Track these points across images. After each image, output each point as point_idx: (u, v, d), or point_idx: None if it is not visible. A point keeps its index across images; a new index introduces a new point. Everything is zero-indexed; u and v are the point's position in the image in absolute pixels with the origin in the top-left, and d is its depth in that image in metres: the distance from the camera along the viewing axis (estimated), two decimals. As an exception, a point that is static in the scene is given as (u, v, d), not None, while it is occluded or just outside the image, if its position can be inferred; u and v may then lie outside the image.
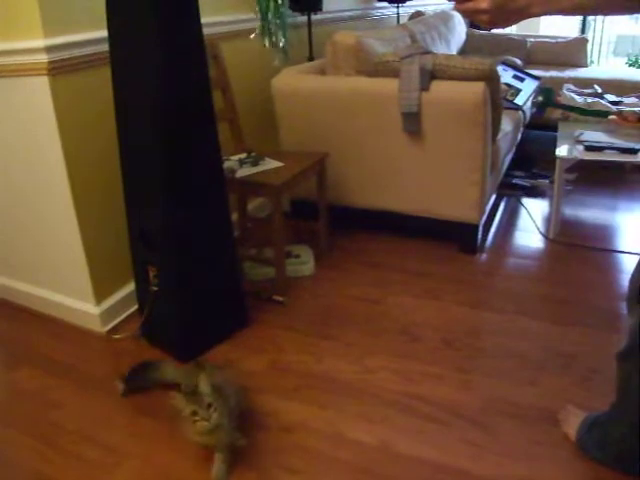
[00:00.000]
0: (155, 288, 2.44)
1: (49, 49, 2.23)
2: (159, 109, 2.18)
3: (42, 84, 2.30)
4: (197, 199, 2.36)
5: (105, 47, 2.30)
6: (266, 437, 2.07)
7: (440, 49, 4.70)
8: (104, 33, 2.25)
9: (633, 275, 1.69)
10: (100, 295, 2.67)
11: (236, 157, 2.94)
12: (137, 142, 2.28)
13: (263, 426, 2.11)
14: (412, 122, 2.95)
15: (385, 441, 2.00)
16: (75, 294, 2.71)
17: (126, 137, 2.34)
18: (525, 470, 1.87)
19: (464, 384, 2.25)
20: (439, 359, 2.38)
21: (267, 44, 3.16)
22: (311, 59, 3.95)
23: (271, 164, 2.87)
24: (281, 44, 3.26)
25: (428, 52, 3.05)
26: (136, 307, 2.69)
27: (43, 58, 2.24)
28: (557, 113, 3.95)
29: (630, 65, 8.84)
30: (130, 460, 2.01)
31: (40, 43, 2.22)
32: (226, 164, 2.67)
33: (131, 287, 2.72)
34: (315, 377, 2.33)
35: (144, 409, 2.24)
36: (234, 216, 2.73)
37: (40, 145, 2.45)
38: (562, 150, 3.27)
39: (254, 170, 2.80)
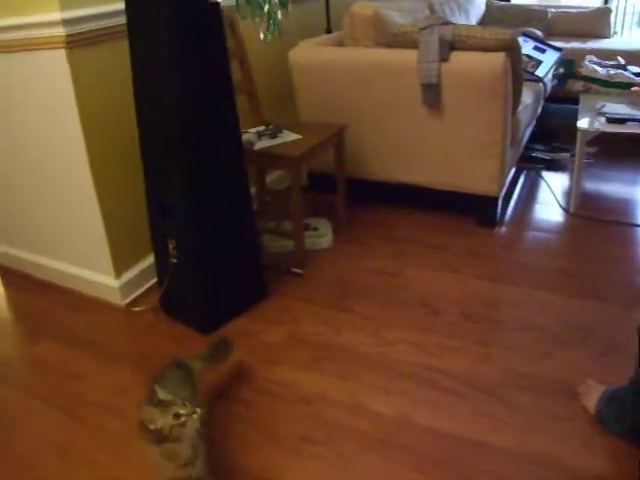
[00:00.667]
0: (174, 261, 2.45)
1: (66, 22, 2.23)
2: (178, 83, 2.17)
3: (60, 57, 2.30)
4: (216, 171, 2.36)
5: (122, 19, 2.29)
6: (285, 408, 2.08)
7: (459, 20, 4.63)
8: (121, 5, 2.25)
9: None
10: (120, 268, 2.70)
11: (254, 129, 2.93)
12: (155, 116, 2.28)
13: (282, 397, 2.13)
14: (431, 94, 2.92)
15: (403, 413, 2.00)
16: (95, 267, 2.73)
17: (144, 111, 2.33)
18: (544, 443, 1.87)
19: (483, 357, 2.25)
20: (458, 332, 2.38)
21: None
22: (329, 31, 3.91)
23: (289, 136, 2.86)
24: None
25: (447, 23, 3.01)
26: (155, 280, 2.71)
27: (60, 31, 2.24)
28: (578, 85, 3.89)
29: (654, 36, 8.68)
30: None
31: (57, 16, 2.21)
32: (244, 136, 2.67)
33: (150, 260, 2.74)
34: (333, 349, 2.34)
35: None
36: (252, 189, 2.73)
37: (58, 118, 2.45)
38: (583, 122, 3.22)
39: (272, 142, 2.79)
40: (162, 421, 1.62)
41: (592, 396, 1.97)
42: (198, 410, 1.66)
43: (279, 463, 1.88)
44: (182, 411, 1.63)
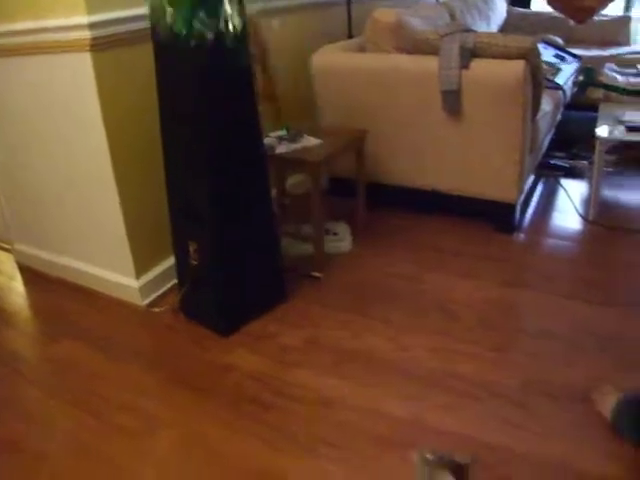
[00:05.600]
0: (195, 262, 2.46)
1: (92, 25, 2.26)
2: (204, 85, 2.20)
3: (85, 60, 2.33)
4: (240, 174, 2.38)
5: (145, 24, 2.31)
6: (304, 411, 2.10)
7: (480, 27, 4.64)
8: (145, 10, 2.27)
9: None
10: (140, 269, 2.72)
11: (275, 134, 2.95)
12: (180, 121, 2.30)
13: (301, 400, 2.14)
14: (452, 100, 2.92)
15: (421, 417, 2.01)
16: (116, 268, 2.76)
17: (168, 111, 2.35)
18: (562, 450, 1.87)
19: (501, 363, 2.25)
20: (476, 338, 2.38)
21: None
22: (350, 36, 3.93)
23: (310, 141, 2.87)
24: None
25: (469, 30, 3.02)
26: (175, 281, 2.73)
27: (86, 34, 2.27)
28: (598, 93, 3.89)
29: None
30: (168, 429, 2.07)
31: (84, 20, 2.25)
32: (266, 140, 2.68)
33: (170, 262, 2.76)
34: (352, 353, 2.35)
35: (179, 380, 2.29)
36: (272, 192, 2.75)
37: (82, 120, 2.49)
38: (602, 130, 3.22)
39: (293, 147, 2.81)
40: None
41: (606, 402, 1.96)
42: None
43: (298, 466, 1.90)
44: None
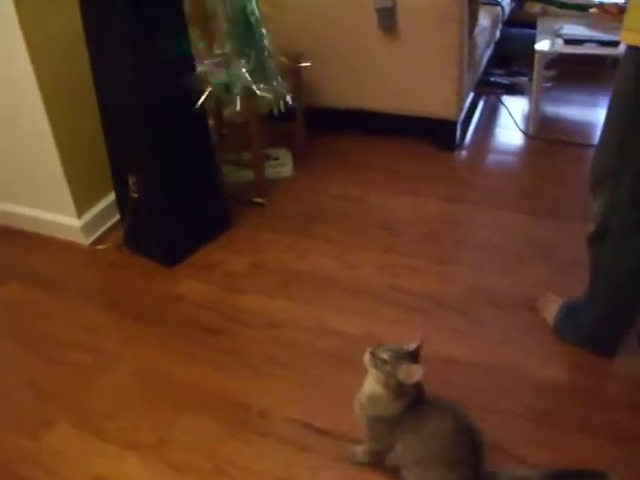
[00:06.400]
0: (135, 195, 2.42)
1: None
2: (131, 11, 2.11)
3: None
4: (173, 104, 2.32)
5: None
6: (253, 333, 2.12)
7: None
8: None
9: (593, 161, 1.72)
10: (81, 207, 2.65)
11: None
12: (108, 45, 2.21)
13: (250, 323, 2.16)
14: (387, 18, 2.87)
15: (370, 332, 2.04)
16: (56, 208, 2.69)
17: (96, 39, 2.26)
18: (507, 355, 1.94)
19: (446, 275, 2.29)
20: (421, 252, 2.41)
21: None
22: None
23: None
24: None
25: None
26: (118, 217, 2.68)
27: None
28: (536, 7, 3.87)
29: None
30: (119, 363, 2.06)
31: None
32: (199, 68, 2.61)
33: (112, 198, 2.69)
34: (298, 274, 2.36)
35: (128, 314, 2.28)
36: (210, 122, 2.69)
37: (4, 52, 2.36)
38: (541, 45, 3.21)
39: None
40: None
41: (551, 308, 2.02)
42: None
43: (250, 385, 1.92)
44: None
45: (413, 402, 1.49)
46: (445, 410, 1.49)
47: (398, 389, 1.46)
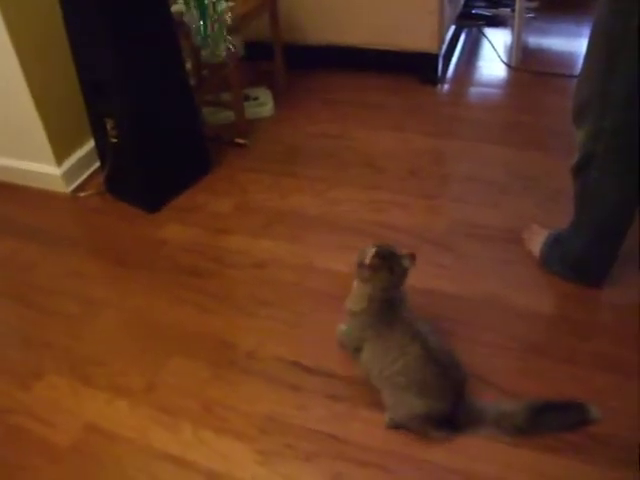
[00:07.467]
0: (114, 140, 2.38)
1: None
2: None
3: None
4: (148, 45, 2.27)
5: None
6: (239, 274, 2.11)
7: None
8: None
9: (576, 91, 1.71)
10: (60, 155, 2.61)
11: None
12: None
13: (235, 264, 2.15)
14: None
15: (355, 268, 2.03)
16: (35, 157, 2.64)
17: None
18: (492, 286, 1.94)
19: (430, 210, 2.28)
20: (405, 188, 2.40)
21: None
22: None
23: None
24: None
25: None
26: (98, 164, 2.64)
27: None
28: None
29: None
30: (107, 309, 2.06)
31: None
32: (173, 7, 2.54)
33: (91, 144, 2.64)
34: (282, 214, 2.35)
35: (114, 260, 2.26)
36: (188, 65, 2.63)
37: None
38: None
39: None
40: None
41: (536, 240, 2.02)
42: None
43: (237, 325, 1.92)
44: None
45: (385, 308, 1.56)
46: (419, 334, 1.51)
47: (360, 273, 1.59)
